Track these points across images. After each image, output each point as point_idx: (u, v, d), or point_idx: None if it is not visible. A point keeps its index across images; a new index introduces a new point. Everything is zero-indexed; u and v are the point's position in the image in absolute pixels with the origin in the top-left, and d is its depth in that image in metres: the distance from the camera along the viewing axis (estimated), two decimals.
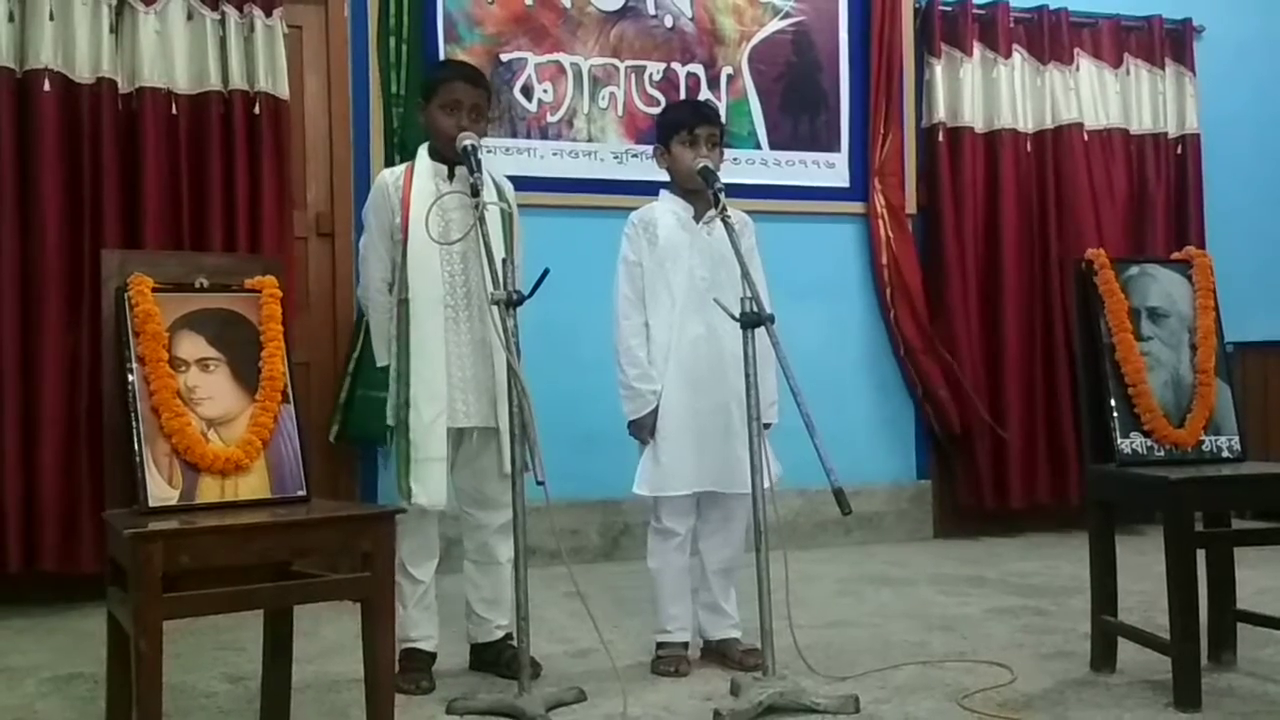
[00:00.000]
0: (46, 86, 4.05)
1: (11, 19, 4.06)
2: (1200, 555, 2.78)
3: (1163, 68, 5.62)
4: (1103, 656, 3.03)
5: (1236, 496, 3.01)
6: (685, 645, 3.23)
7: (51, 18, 4.07)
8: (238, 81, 4.26)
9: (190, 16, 4.25)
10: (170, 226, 4.18)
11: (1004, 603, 3.93)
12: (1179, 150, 5.64)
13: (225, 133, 4.26)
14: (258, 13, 4.29)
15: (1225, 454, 3.02)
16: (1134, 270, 3.12)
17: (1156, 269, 3.16)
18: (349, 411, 4.33)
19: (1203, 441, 3.01)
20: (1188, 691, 2.68)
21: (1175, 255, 3.27)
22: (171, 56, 4.21)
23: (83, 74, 4.10)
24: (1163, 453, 2.97)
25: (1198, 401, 3.03)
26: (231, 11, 4.27)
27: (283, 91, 4.33)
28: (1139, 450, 2.97)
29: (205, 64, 4.24)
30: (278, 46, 4.33)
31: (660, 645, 3.22)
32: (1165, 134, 5.61)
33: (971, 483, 5.26)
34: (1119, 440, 2.96)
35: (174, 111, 4.20)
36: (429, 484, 3.01)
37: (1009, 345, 5.29)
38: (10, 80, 4.05)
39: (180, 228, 4.19)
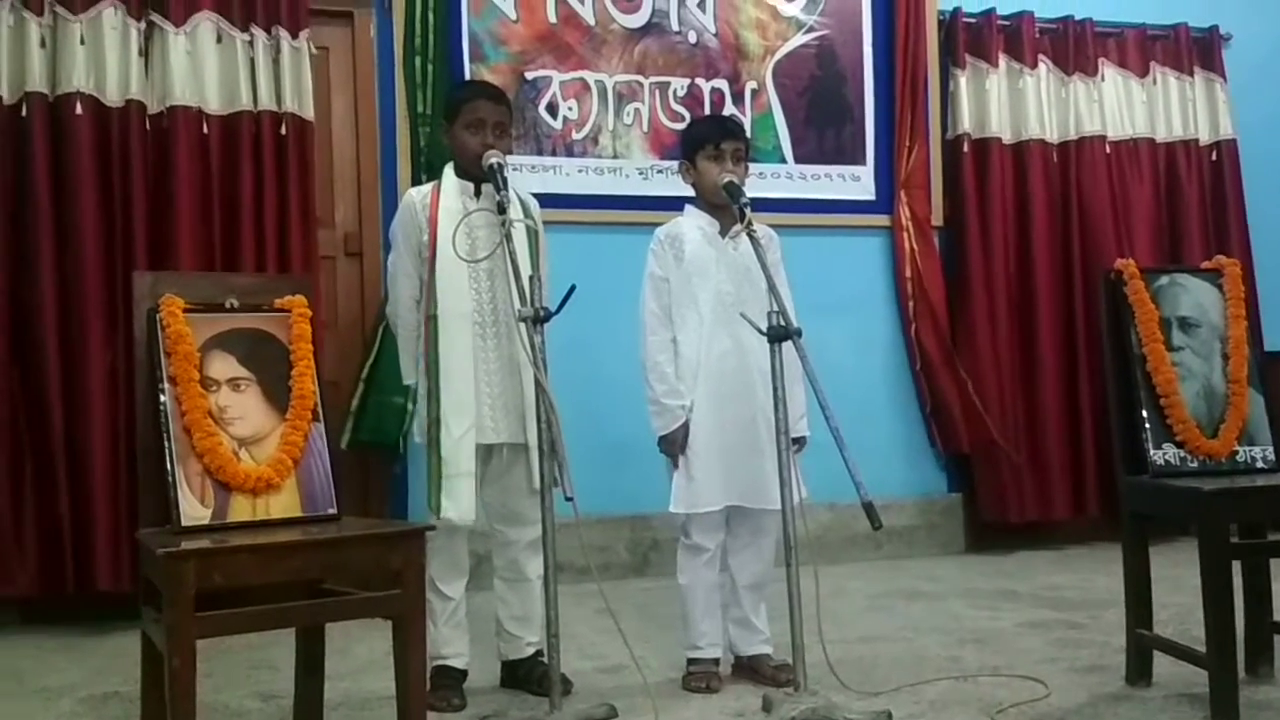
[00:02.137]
0: (79, 110, 4.10)
1: (43, 44, 4.11)
2: (1236, 567, 2.76)
3: (1191, 75, 5.58)
4: (1138, 670, 3.00)
5: (1272, 507, 2.98)
6: (716, 661, 3.22)
7: (82, 42, 4.12)
8: (266, 102, 4.30)
9: (219, 39, 4.29)
10: (200, 246, 4.22)
11: (1037, 616, 3.90)
12: (1214, 156, 5.60)
13: (253, 154, 4.30)
14: (284, 34, 4.33)
15: (1260, 464, 2.98)
16: (1164, 280, 3.10)
17: (1186, 278, 3.13)
18: (362, 417, 4.31)
19: (1236, 452, 2.98)
20: (1225, 705, 2.65)
21: (1205, 264, 3.24)
22: (201, 78, 4.25)
23: (113, 97, 4.15)
24: (1196, 464, 2.94)
25: (1231, 412, 3.00)
26: (259, 33, 4.31)
27: (308, 113, 4.37)
28: (1172, 461, 2.94)
29: (235, 85, 4.28)
30: (304, 68, 4.37)
31: (691, 661, 3.21)
32: (1196, 140, 5.57)
33: (1000, 496, 5.20)
34: (1151, 452, 2.94)
35: (205, 131, 4.25)
36: (459, 499, 3.01)
37: (1034, 358, 5.25)
38: (43, 104, 4.10)
39: (210, 247, 4.23)
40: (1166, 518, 3.03)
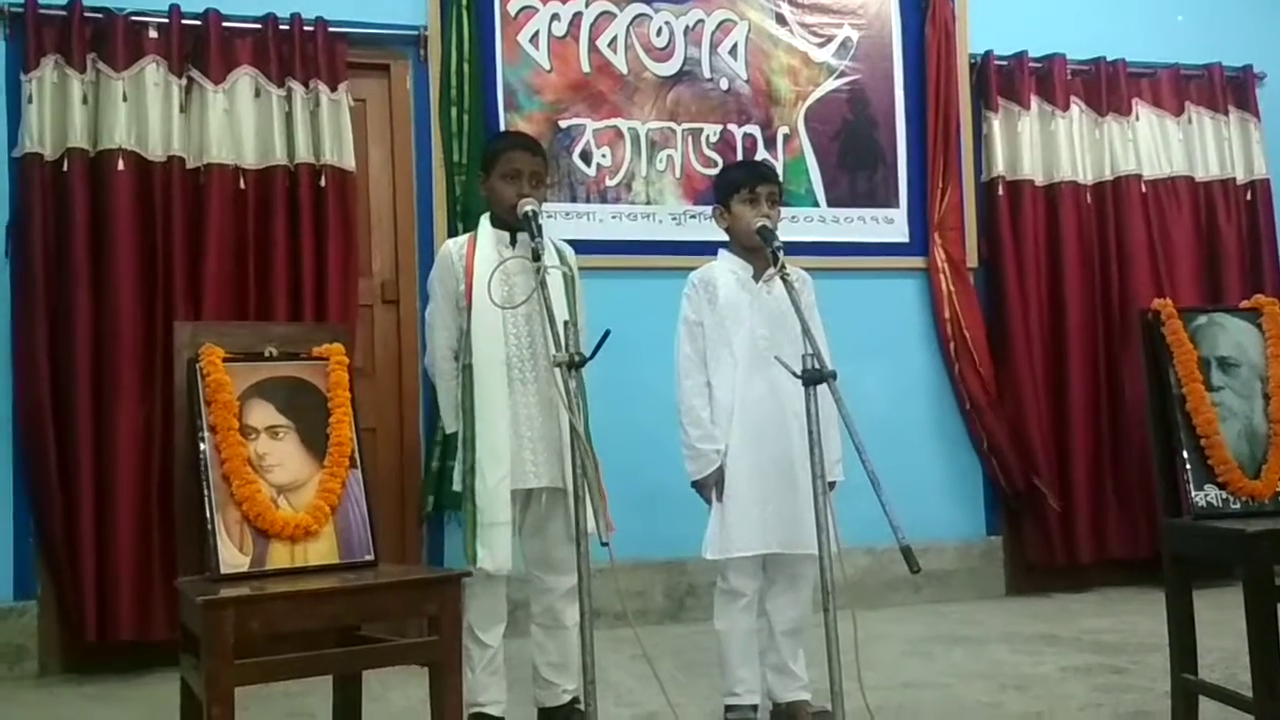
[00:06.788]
0: (120, 166, 4.17)
1: (85, 101, 4.19)
2: None
3: (1226, 114, 5.57)
4: (1184, 716, 2.94)
5: None
6: (754, 708, 3.19)
7: (125, 99, 4.21)
8: (304, 155, 4.36)
9: (258, 94, 4.37)
10: (239, 296, 4.27)
11: (1080, 661, 3.85)
12: (1249, 196, 5.57)
13: (291, 205, 4.36)
14: (323, 87, 4.40)
15: None
16: (1202, 320, 3.07)
17: (1225, 318, 3.10)
18: (441, 481, 4.30)
19: None
20: None
21: (1244, 303, 3.21)
22: (239, 133, 4.33)
23: (155, 152, 4.22)
24: (1239, 505, 2.90)
25: (1273, 452, 2.95)
26: (298, 87, 4.38)
27: (349, 163, 4.43)
28: (1214, 503, 2.90)
29: (271, 139, 4.35)
30: (343, 120, 4.43)
31: (729, 709, 3.18)
32: (1233, 179, 5.55)
33: (1041, 538, 5.16)
34: (1193, 493, 2.90)
35: (241, 186, 4.31)
36: (495, 548, 3.02)
37: (1074, 397, 5.21)
38: (84, 160, 4.17)
39: (248, 297, 4.28)
40: (1209, 560, 2.97)
